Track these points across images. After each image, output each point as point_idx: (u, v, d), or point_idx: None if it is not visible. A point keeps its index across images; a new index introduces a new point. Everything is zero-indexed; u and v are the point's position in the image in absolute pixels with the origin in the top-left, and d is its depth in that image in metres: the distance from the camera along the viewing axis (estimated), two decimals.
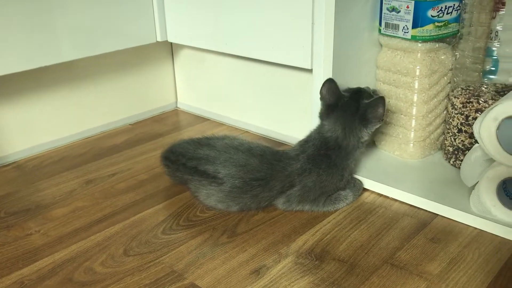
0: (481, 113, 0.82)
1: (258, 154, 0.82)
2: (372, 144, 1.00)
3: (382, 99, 0.80)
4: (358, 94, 0.83)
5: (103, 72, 1.15)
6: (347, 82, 0.89)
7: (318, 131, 0.84)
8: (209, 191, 0.82)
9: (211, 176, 0.81)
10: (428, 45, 0.87)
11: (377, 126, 0.82)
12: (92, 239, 0.77)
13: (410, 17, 0.84)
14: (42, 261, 0.72)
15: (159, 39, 1.15)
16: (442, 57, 0.90)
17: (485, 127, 0.73)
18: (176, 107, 1.33)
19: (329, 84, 0.82)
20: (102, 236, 0.78)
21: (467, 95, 0.86)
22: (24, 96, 1.04)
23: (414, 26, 0.85)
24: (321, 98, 0.84)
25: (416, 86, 0.89)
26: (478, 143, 0.76)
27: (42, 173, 0.98)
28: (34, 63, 0.97)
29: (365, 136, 0.82)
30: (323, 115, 0.84)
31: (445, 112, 0.94)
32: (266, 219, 0.81)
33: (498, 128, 0.72)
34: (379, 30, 0.91)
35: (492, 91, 0.85)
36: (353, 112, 0.81)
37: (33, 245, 0.76)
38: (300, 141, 0.86)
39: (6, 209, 0.86)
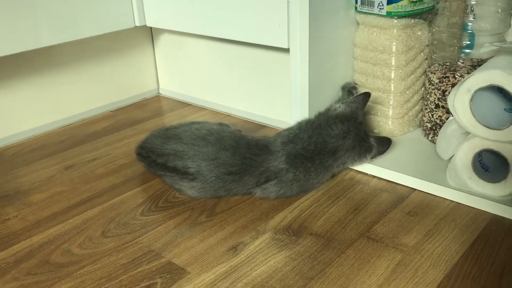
0: None
1: (231, 146, 0.79)
2: None
3: (391, 141, 0.86)
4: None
5: (83, 58, 1.15)
6: (325, 60, 0.89)
7: (316, 131, 0.81)
8: (182, 186, 0.81)
9: (181, 172, 0.79)
10: (404, 21, 0.87)
11: (367, 161, 0.85)
12: (70, 222, 0.77)
13: None
14: (19, 245, 0.72)
15: (137, 24, 1.15)
16: (419, 33, 0.90)
17: (459, 99, 0.73)
18: (158, 93, 1.33)
19: (367, 98, 0.85)
20: (81, 219, 0.77)
21: (443, 70, 0.86)
22: (3, 84, 1.03)
23: (389, 2, 0.85)
24: (344, 88, 0.87)
25: (393, 62, 0.89)
26: (453, 116, 0.76)
27: (21, 160, 0.98)
28: (12, 48, 0.96)
29: (356, 163, 0.84)
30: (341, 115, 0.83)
31: (423, 89, 0.95)
32: (245, 198, 0.81)
33: (471, 100, 0.72)
34: (355, 7, 0.91)
35: (468, 65, 0.86)
36: (364, 137, 0.83)
37: (10, 229, 0.76)
38: (283, 138, 0.82)
39: None
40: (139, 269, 0.66)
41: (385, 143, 0.86)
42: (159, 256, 0.68)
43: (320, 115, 0.84)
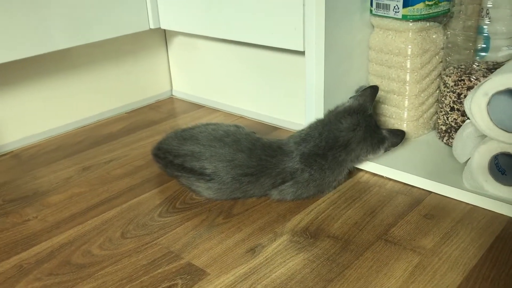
0: None
1: (247, 148, 0.80)
2: None
3: (404, 133, 0.86)
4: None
5: (97, 61, 1.16)
6: (340, 63, 0.90)
7: (326, 128, 0.82)
8: (198, 187, 0.82)
9: (198, 173, 0.80)
10: (419, 24, 0.87)
11: (381, 153, 0.85)
12: (90, 223, 0.78)
13: None
14: (40, 246, 0.73)
15: (152, 27, 1.16)
16: (434, 36, 0.90)
17: (476, 103, 0.73)
18: (172, 95, 1.34)
19: (375, 91, 0.85)
20: (100, 220, 0.78)
21: (458, 73, 0.87)
22: (20, 86, 1.04)
23: (405, 5, 0.85)
24: (357, 92, 0.87)
25: (408, 65, 0.89)
26: (470, 119, 0.76)
27: (39, 161, 0.99)
28: (26, 52, 0.97)
29: (369, 155, 0.84)
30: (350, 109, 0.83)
31: (437, 91, 0.95)
32: (261, 200, 0.81)
33: (488, 103, 0.72)
34: (371, 10, 0.91)
35: (484, 68, 0.86)
36: (375, 129, 0.83)
37: (31, 230, 0.77)
38: (296, 138, 0.83)
39: (4, 197, 0.86)
40: (159, 270, 0.67)
41: (398, 135, 0.85)
42: (178, 257, 0.69)
43: (329, 113, 0.86)
